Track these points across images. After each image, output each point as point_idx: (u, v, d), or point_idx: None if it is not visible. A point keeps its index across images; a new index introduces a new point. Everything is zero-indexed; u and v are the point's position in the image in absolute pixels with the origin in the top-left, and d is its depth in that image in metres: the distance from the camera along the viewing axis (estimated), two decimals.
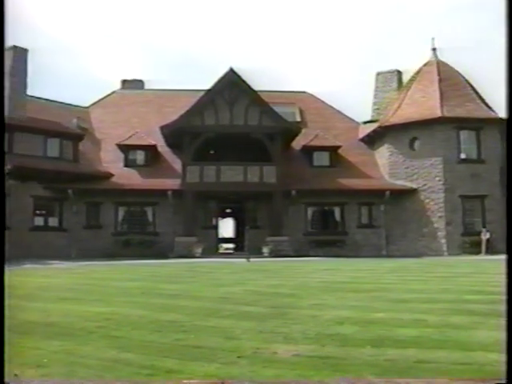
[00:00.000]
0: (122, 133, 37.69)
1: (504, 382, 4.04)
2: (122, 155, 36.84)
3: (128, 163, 36.60)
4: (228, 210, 41.30)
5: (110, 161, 36.55)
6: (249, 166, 34.62)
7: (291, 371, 6.30)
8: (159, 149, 37.16)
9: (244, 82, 34.99)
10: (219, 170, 34.46)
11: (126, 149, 36.87)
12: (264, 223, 35.08)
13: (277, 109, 35.53)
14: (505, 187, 18.84)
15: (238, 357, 6.94)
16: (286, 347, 7.36)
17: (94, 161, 36.44)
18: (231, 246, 42.35)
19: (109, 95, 43.75)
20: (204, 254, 31.80)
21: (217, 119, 34.77)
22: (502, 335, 5.71)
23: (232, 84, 34.90)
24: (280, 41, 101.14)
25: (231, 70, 34.96)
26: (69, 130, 36.79)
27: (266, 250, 32.69)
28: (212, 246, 34.81)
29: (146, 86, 45.86)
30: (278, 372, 6.28)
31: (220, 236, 39.08)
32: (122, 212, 35.59)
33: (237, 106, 34.87)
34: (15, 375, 6.38)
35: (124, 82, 45.40)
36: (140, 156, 37.02)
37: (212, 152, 36.03)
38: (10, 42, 35.35)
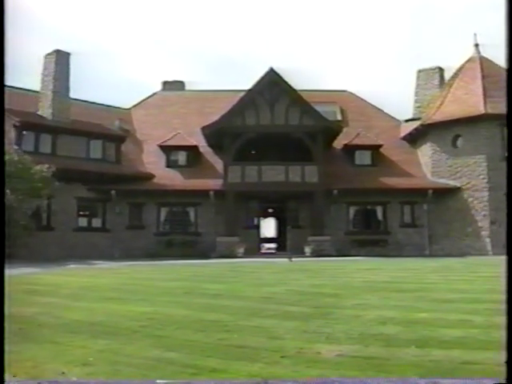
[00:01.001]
0: (164, 134, 37.96)
1: (504, 382, 4.01)
2: (163, 156, 37.10)
3: (170, 164, 36.84)
4: (270, 210, 41.28)
5: (152, 162, 36.84)
6: (290, 166, 34.57)
7: (335, 371, 6.29)
8: (200, 149, 37.33)
9: (284, 81, 34.96)
10: (261, 169, 34.47)
11: (167, 150, 37.13)
12: (306, 223, 34.99)
13: (318, 108, 35.41)
14: None
15: (282, 357, 6.95)
16: (330, 347, 7.35)
17: (136, 162, 36.76)
18: (273, 245, 42.30)
19: (150, 97, 44.10)
20: (246, 254, 31.84)
21: (258, 119, 34.80)
22: None
23: (272, 84, 34.89)
24: (320, 40, 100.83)
25: (271, 70, 34.96)
26: (111, 131, 37.19)
27: (307, 249, 32.61)
28: (254, 246, 34.83)
29: (187, 87, 46.07)
30: (321, 372, 6.28)
31: (262, 236, 39.07)
32: (164, 212, 35.84)
33: (277, 106, 34.85)
34: (62, 373, 6.49)
35: (165, 83, 45.70)
36: (182, 157, 37.24)
37: (253, 152, 36.04)
38: (53, 46, 35.95)
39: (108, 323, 9.34)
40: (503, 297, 11.25)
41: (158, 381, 5.99)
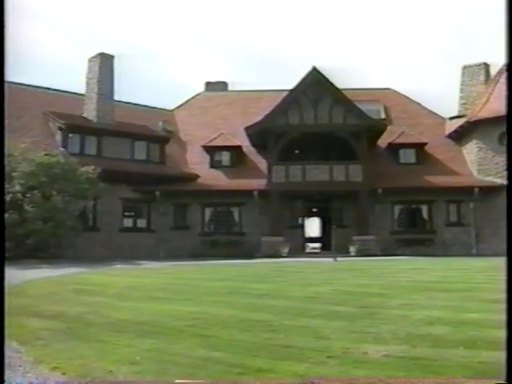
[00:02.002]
0: (207, 134, 38.13)
1: (504, 381, 3.96)
2: (207, 156, 37.28)
3: (214, 164, 37.00)
4: (314, 210, 41.16)
5: (196, 162, 37.04)
6: (334, 165, 34.45)
7: (382, 372, 6.24)
8: (244, 149, 37.41)
9: (327, 80, 34.84)
10: (304, 169, 34.42)
11: (211, 150, 37.30)
12: (350, 222, 34.81)
13: (361, 106, 35.23)
14: None
15: (328, 357, 6.92)
16: (376, 347, 7.30)
17: (180, 162, 37.00)
18: (317, 245, 42.20)
19: (193, 97, 44.35)
20: (290, 254, 31.81)
21: (301, 118, 34.75)
22: None
23: (315, 83, 34.80)
24: (363, 38, 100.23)
25: (314, 69, 34.87)
26: (155, 133, 37.50)
27: (352, 249, 32.46)
28: (298, 246, 34.79)
29: (230, 88, 46.21)
30: (368, 372, 6.23)
31: (306, 236, 39.00)
32: (208, 213, 36.01)
33: (321, 105, 34.75)
34: (110, 371, 6.55)
35: (208, 84, 45.90)
36: (225, 157, 37.37)
37: (297, 151, 36.00)
38: (97, 49, 36.39)
39: (154, 323, 9.41)
40: None
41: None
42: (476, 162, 35.81)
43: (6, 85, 26.82)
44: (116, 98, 36.57)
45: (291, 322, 9.14)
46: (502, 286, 13.31)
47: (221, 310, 10.54)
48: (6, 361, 7.18)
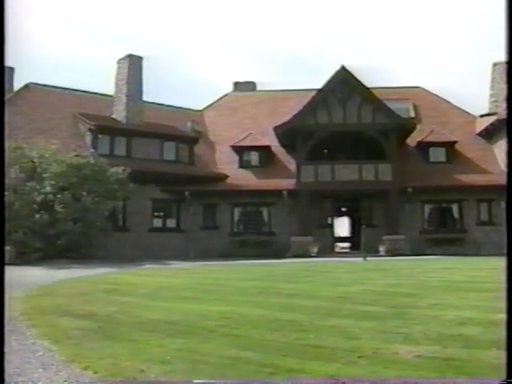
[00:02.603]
0: (236, 134, 38.19)
1: (504, 381, 3.92)
2: (236, 156, 37.33)
3: (242, 164, 37.04)
4: (343, 209, 41.03)
5: (225, 162, 37.11)
6: (363, 164, 34.32)
7: (413, 372, 6.21)
8: (273, 149, 37.39)
9: (356, 79, 34.71)
10: (334, 168, 34.33)
11: (240, 150, 37.34)
12: (380, 222, 34.64)
13: (390, 105, 35.03)
14: None
15: (359, 357, 6.89)
16: (407, 348, 7.26)
17: (209, 163, 37.10)
18: (347, 245, 42.05)
19: (222, 98, 44.44)
20: (320, 254, 31.73)
21: (330, 118, 34.66)
22: None
23: (344, 82, 34.68)
24: (391, 36, 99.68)
25: (343, 68, 34.75)
26: (184, 133, 37.63)
27: (382, 248, 32.28)
28: (328, 246, 34.69)
29: (258, 88, 46.22)
30: (399, 373, 6.20)
31: (336, 235, 38.89)
32: (237, 213, 36.06)
33: (349, 104, 34.63)
34: (141, 371, 6.59)
35: (236, 84, 45.96)
36: (254, 157, 37.38)
37: (326, 151, 35.90)
38: (125, 51, 36.59)
39: (184, 322, 9.45)
40: None
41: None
42: (507, 160, 35.42)
43: (35, 86, 27.17)
44: (145, 98, 36.76)
45: (321, 321, 9.12)
46: None
47: (251, 309, 10.55)
48: (40, 359, 7.27)
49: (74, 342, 8.22)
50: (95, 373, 6.51)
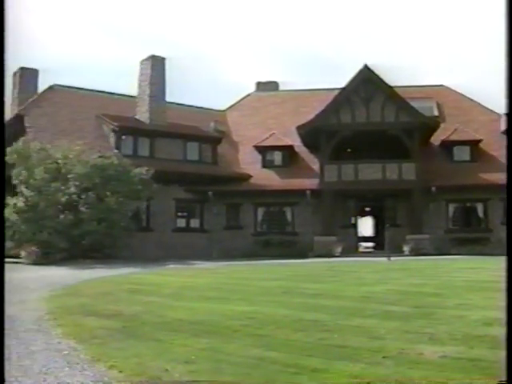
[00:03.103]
0: (259, 134, 38.17)
1: (504, 381, 3.87)
2: (259, 156, 37.32)
3: (265, 164, 37.01)
4: (367, 209, 40.87)
5: (248, 162, 37.11)
6: (387, 164, 34.13)
7: (439, 373, 6.16)
8: (296, 149, 37.32)
9: (379, 78, 34.54)
10: (357, 168, 34.20)
11: (263, 150, 37.32)
12: (404, 221, 34.44)
13: (413, 104, 34.81)
14: None
15: (384, 357, 6.86)
16: (433, 348, 7.21)
17: (232, 163, 37.12)
18: (371, 244, 41.88)
19: (244, 98, 44.43)
20: (343, 254, 31.61)
21: (353, 117, 34.54)
22: None
23: (367, 81, 34.53)
24: (414, 34, 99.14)
25: (366, 67, 34.60)
26: (207, 133, 37.69)
27: (406, 248, 32.08)
28: (351, 245, 34.55)
29: (281, 87, 46.14)
30: (424, 373, 6.16)
31: (359, 235, 38.74)
32: (261, 212, 36.05)
33: (373, 103, 34.47)
34: (166, 370, 6.61)
35: (258, 84, 45.90)
36: (277, 156, 37.34)
37: (349, 150, 35.76)
38: (148, 52, 36.70)
39: (209, 322, 9.47)
40: None
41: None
42: None
43: (59, 88, 27.27)
44: (168, 99, 36.85)
45: (345, 321, 9.10)
46: None
47: (275, 309, 10.55)
48: (65, 359, 7.32)
49: (99, 342, 8.27)
50: (120, 372, 6.55)
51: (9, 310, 9.77)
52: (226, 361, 6.94)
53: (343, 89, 34.88)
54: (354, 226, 36.65)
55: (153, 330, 8.97)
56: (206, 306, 11.36)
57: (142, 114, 35.60)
